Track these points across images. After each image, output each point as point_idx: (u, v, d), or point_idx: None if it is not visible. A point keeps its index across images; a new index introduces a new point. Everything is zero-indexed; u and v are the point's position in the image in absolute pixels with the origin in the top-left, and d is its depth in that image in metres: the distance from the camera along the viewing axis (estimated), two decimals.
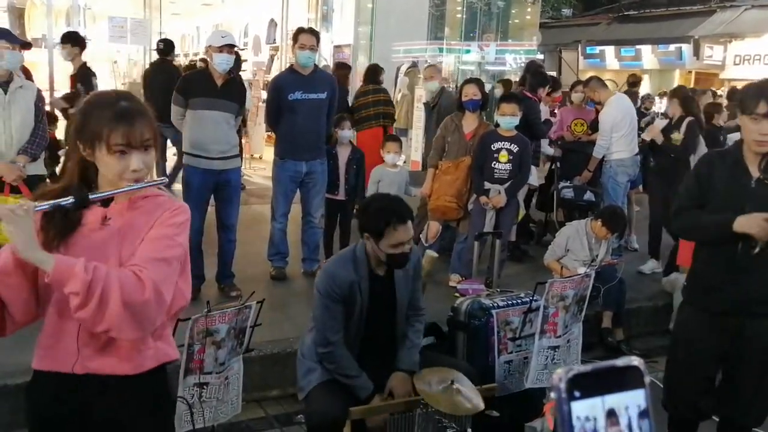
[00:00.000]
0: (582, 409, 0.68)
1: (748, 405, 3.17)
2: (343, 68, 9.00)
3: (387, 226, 3.19)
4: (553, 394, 0.68)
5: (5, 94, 4.63)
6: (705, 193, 3.09)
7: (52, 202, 1.85)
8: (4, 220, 1.74)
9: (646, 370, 0.72)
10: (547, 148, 7.39)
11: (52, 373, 1.99)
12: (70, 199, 1.86)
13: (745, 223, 2.89)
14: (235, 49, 5.20)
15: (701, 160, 3.30)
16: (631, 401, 0.70)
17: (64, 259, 1.79)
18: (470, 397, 3.04)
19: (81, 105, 2.02)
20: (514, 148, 5.56)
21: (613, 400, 0.70)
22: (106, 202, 1.99)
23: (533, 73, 7.26)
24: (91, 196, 1.90)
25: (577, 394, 0.68)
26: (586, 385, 0.68)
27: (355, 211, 5.82)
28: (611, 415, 0.69)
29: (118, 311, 1.78)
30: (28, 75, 6.31)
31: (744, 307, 3.05)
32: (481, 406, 3.04)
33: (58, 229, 1.92)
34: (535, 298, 3.85)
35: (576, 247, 5.42)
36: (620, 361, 0.71)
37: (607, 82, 7.59)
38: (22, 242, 1.75)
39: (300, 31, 5.63)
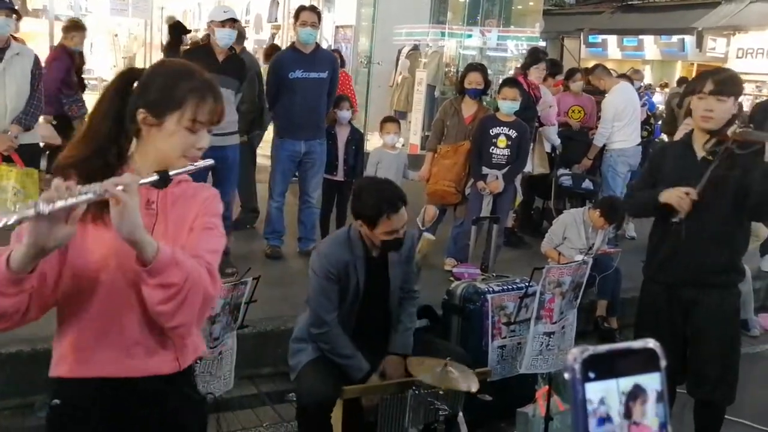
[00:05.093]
0: (596, 390, 0.67)
1: (715, 383, 3.28)
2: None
3: (380, 216, 3.15)
4: (567, 375, 0.67)
5: (0, 62, 4.56)
6: (656, 177, 3.34)
7: (142, 180, 1.60)
8: (117, 199, 1.51)
9: (662, 353, 0.70)
10: (554, 139, 7.13)
11: (89, 379, 1.78)
12: (154, 176, 1.63)
13: (668, 195, 3.15)
14: (237, 24, 5.15)
15: (654, 150, 3.61)
16: (647, 384, 0.69)
17: (165, 246, 1.59)
18: (465, 377, 3.03)
19: (150, 70, 1.84)
20: (513, 133, 5.54)
21: (629, 382, 0.68)
22: (162, 182, 1.69)
23: (550, 61, 7.12)
24: (171, 173, 1.68)
25: (591, 375, 0.66)
26: (601, 367, 0.67)
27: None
28: (628, 397, 0.68)
29: (197, 306, 1.67)
30: None
31: (692, 279, 3.22)
32: (476, 386, 3.03)
33: (95, 203, 1.57)
34: (531, 283, 3.84)
35: (573, 236, 5.41)
36: (636, 344, 0.70)
37: None
38: (131, 223, 1.52)
39: (301, 8, 5.64)
